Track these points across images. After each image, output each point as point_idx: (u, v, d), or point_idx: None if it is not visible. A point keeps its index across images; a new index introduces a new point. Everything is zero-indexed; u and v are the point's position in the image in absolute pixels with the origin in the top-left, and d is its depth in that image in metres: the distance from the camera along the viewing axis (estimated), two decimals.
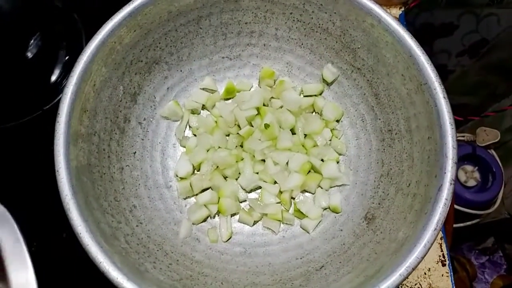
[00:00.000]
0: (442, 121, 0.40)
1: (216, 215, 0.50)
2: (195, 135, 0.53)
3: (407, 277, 0.35)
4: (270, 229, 0.49)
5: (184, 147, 0.52)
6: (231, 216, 0.50)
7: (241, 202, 0.51)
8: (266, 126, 0.50)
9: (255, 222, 0.50)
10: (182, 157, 0.51)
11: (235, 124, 0.52)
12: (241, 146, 0.52)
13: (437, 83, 0.41)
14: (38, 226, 0.55)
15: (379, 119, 0.49)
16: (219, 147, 0.51)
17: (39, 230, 0.55)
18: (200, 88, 0.54)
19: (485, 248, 1.30)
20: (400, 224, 0.41)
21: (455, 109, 0.40)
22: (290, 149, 0.50)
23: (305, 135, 0.52)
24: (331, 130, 0.53)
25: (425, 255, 0.35)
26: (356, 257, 0.42)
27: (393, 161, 0.46)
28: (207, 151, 0.51)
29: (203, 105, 0.54)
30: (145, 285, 0.35)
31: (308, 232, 0.48)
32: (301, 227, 0.49)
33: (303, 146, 0.52)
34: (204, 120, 0.53)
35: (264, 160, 0.50)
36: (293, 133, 0.52)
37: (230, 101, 0.55)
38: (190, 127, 0.53)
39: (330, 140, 0.52)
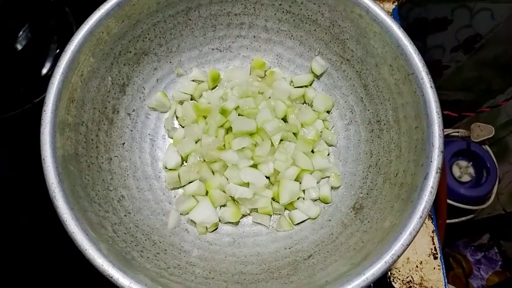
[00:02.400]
0: (429, 111, 0.40)
1: None
2: (182, 126, 0.53)
3: (392, 264, 0.35)
4: (261, 224, 0.49)
5: (172, 138, 0.52)
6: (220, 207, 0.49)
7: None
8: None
9: (242, 216, 0.49)
10: (170, 149, 0.51)
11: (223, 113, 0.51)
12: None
13: (424, 73, 0.41)
14: (27, 217, 0.56)
15: (368, 110, 0.49)
16: (205, 134, 0.50)
17: (28, 223, 0.55)
18: (191, 80, 0.54)
19: (480, 245, 1.30)
20: (387, 213, 0.41)
21: (450, 105, 0.40)
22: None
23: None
24: (322, 121, 0.52)
25: (410, 243, 0.35)
26: (344, 246, 0.42)
27: (381, 152, 0.46)
28: (196, 142, 0.51)
29: (192, 95, 0.54)
30: (131, 273, 0.35)
31: (293, 223, 0.48)
32: (289, 217, 0.49)
33: (294, 134, 0.51)
34: (186, 109, 0.52)
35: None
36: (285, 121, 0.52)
37: (217, 88, 0.55)
38: (177, 117, 0.53)
39: (321, 132, 0.52)
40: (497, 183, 1.05)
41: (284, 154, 0.48)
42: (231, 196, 0.48)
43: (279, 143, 0.49)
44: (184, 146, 0.50)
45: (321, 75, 0.54)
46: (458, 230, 1.18)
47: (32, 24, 0.57)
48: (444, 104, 0.40)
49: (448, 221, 0.96)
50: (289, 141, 0.50)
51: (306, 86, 0.54)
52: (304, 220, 0.48)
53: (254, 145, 0.49)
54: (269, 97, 0.53)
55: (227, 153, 0.48)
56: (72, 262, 0.47)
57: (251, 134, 0.50)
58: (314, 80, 0.55)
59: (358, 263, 0.37)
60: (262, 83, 0.54)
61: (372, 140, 0.48)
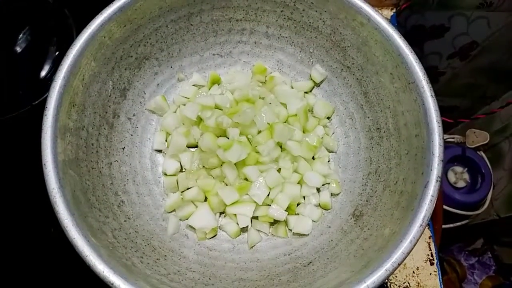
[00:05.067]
0: (429, 119, 0.40)
1: None
2: None
3: (393, 272, 0.35)
4: (261, 231, 0.49)
5: None
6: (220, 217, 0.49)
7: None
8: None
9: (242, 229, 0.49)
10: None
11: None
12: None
13: (425, 82, 0.41)
14: (25, 222, 0.55)
15: (368, 117, 0.49)
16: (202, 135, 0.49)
17: (26, 225, 0.55)
18: (191, 85, 0.54)
19: (474, 250, 1.31)
20: (387, 221, 0.41)
21: (446, 111, 0.41)
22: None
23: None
24: (323, 127, 0.53)
25: (410, 251, 0.36)
26: (344, 253, 0.42)
27: (381, 159, 0.47)
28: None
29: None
30: (131, 279, 0.34)
31: (290, 230, 0.48)
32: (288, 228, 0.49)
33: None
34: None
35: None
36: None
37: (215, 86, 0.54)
38: None
39: (322, 138, 0.52)
40: (491, 188, 1.06)
41: (289, 161, 0.48)
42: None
43: (282, 150, 0.49)
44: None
45: (320, 83, 0.54)
46: (452, 235, 1.19)
47: (32, 27, 0.56)
48: (439, 110, 0.41)
49: (442, 226, 0.96)
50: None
51: (306, 92, 0.54)
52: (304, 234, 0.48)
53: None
54: (270, 103, 0.53)
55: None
56: (72, 269, 0.47)
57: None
58: (314, 86, 0.55)
59: (358, 270, 0.37)
60: (263, 88, 0.54)
61: (372, 147, 0.48)
